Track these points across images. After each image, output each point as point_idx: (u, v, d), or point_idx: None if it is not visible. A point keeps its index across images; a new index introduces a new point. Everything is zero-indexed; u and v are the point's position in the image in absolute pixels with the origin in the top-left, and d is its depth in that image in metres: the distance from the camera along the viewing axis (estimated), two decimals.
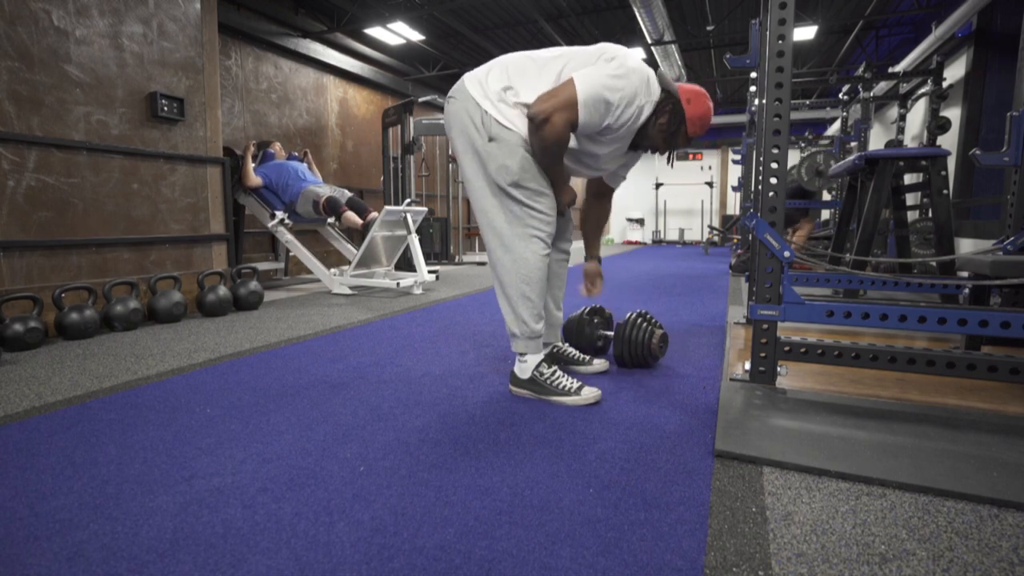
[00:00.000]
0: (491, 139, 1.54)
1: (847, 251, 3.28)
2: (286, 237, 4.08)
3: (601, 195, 1.90)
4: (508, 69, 1.58)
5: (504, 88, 1.55)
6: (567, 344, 1.93)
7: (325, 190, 4.12)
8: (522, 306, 1.59)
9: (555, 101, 1.45)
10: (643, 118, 1.55)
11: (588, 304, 2.11)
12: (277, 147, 4.52)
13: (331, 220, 4.51)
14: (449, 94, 1.64)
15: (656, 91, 1.55)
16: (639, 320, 1.90)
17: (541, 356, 1.63)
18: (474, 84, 1.59)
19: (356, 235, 4.74)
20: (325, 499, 1.02)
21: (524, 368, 1.64)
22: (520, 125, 1.53)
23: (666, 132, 1.59)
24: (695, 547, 0.87)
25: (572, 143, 1.59)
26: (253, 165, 4.23)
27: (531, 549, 0.87)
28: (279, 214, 4.08)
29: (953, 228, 2.68)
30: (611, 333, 2.04)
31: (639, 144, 1.64)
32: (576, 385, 1.59)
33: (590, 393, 1.57)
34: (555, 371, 1.62)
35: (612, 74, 1.47)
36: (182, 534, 0.91)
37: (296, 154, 4.70)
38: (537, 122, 1.46)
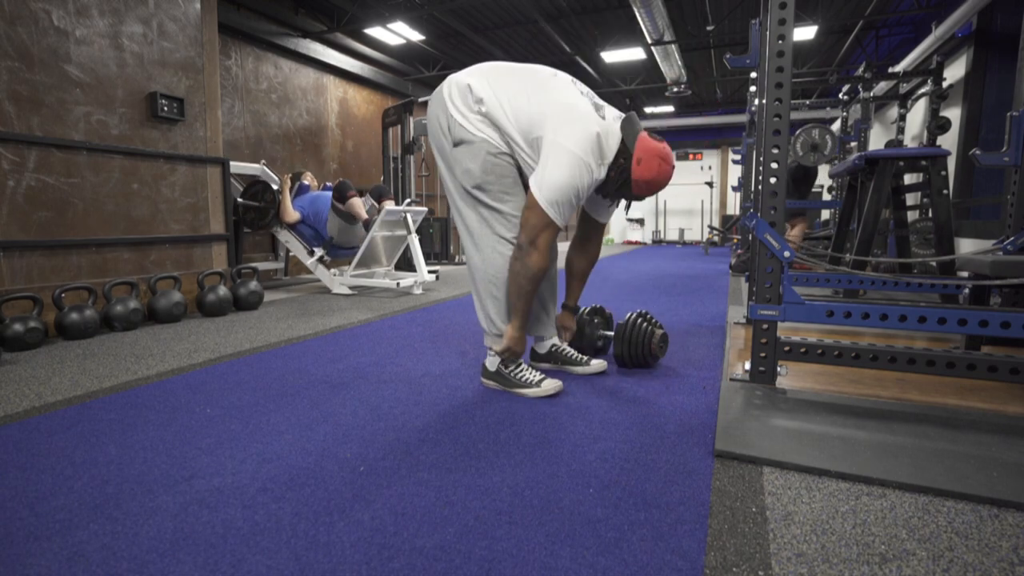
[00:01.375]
0: (455, 144, 1.58)
1: (847, 251, 3.28)
2: (312, 264, 4.03)
3: (589, 236, 1.86)
4: (487, 76, 1.59)
5: (467, 87, 1.57)
6: (565, 344, 1.93)
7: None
8: (490, 305, 1.66)
9: (531, 229, 1.51)
10: (601, 179, 1.57)
11: (588, 304, 2.11)
12: (309, 177, 4.41)
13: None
14: (431, 97, 1.68)
15: (612, 147, 1.55)
16: (639, 320, 1.90)
17: None
18: (447, 86, 1.62)
19: None
20: (325, 499, 1.02)
21: (492, 361, 1.71)
22: (483, 129, 1.55)
23: (612, 185, 1.59)
24: (695, 547, 0.87)
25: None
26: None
27: (531, 549, 0.87)
28: (318, 251, 4.01)
29: (953, 228, 2.68)
30: (611, 333, 2.04)
31: (598, 190, 1.64)
32: (538, 378, 1.64)
33: (550, 385, 1.62)
34: (520, 364, 1.69)
35: (566, 171, 1.48)
36: (182, 534, 0.91)
37: (330, 184, 4.65)
38: (525, 250, 1.52)
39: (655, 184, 1.54)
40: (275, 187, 4.15)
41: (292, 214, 4.05)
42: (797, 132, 4.56)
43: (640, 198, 1.61)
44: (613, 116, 1.60)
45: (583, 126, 1.51)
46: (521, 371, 1.67)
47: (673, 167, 1.56)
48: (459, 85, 1.59)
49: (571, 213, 1.56)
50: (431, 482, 1.09)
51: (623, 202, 1.76)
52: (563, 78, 1.62)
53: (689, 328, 2.65)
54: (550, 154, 1.49)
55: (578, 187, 1.50)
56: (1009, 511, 0.97)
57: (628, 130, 1.55)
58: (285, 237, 4.16)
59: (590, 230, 1.85)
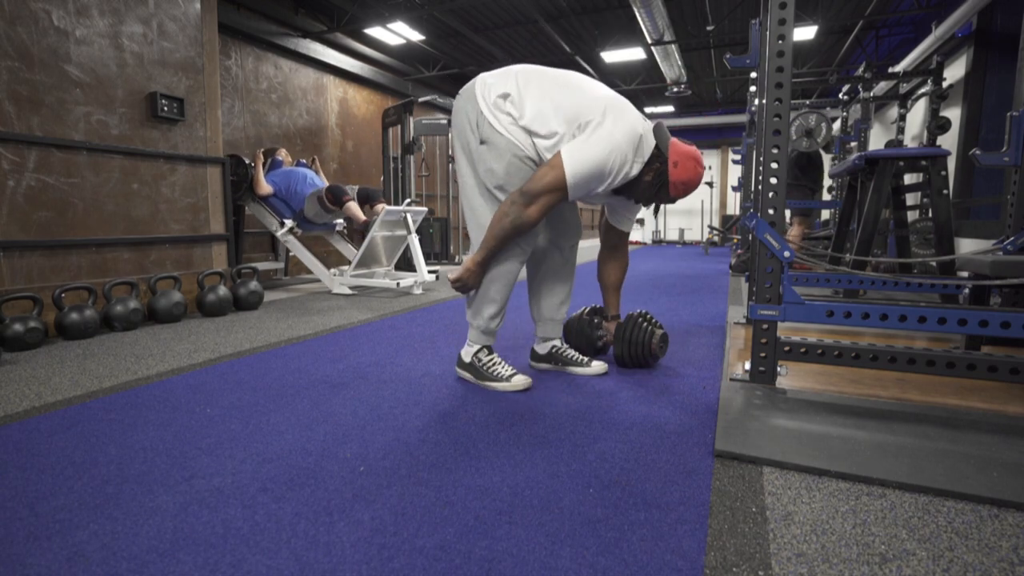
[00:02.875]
0: (482, 142, 1.58)
1: (847, 251, 3.28)
2: (290, 240, 4.07)
3: (616, 246, 1.92)
4: (517, 78, 1.60)
5: (502, 95, 1.57)
6: (566, 345, 1.93)
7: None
8: (485, 303, 1.69)
9: (542, 185, 1.51)
10: (632, 176, 1.58)
11: (588, 304, 2.12)
12: (283, 153, 4.46)
13: (340, 227, 4.48)
14: (460, 91, 1.68)
15: (647, 149, 1.57)
16: (639, 320, 1.90)
17: (483, 344, 1.73)
18: (480, 84, 1.62)
19: (356, 235, 4.74)
20: (325, 499, 1.02)
21: (468, 352, 1.75)
22: (513, 132, 1.56)
23: (650, 190, 1.62)
24: (695, 547, 0.87)
25: None
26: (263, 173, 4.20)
27: (531, 549, 0.87)
28: (288, 222, 4.03)
29: (953, 228, 2.68)
30: None
31: (624, 192, 1.65)
32: (509, 372, 1.68)
33: (520, 380, 1.66)
34: (492, 359, 1.72)
35: (603, 150, 1.49)
36: (182, 534, 0.91)
37: (304, 161, 4.68)
38: (525, 198, 1.51)
39: (691, 185, 1.59)
40: (248, 161, 4.19)
41: (265, 187, 4.09)
42: (793, 117, 4.54)
43: (674, 200, 1.64)
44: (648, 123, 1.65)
45: (632, 122, 1.55)
46: (493, 364, 1.70)
47: (704, 168, 1.61)
48: (493, 85, 1.59)
49: (582, 196, 1.57)
50: (431, 482, 1.09)
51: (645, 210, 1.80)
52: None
53: (689, 328, 2.65)
54: (595, 132, 1.51)
55: (607, 171, 1.51)
56: (1009, 511, 0.97)
57: (660, 136, 1.60)
58: (256, 209, 4.19)
59: (615, 240, 1.91)
